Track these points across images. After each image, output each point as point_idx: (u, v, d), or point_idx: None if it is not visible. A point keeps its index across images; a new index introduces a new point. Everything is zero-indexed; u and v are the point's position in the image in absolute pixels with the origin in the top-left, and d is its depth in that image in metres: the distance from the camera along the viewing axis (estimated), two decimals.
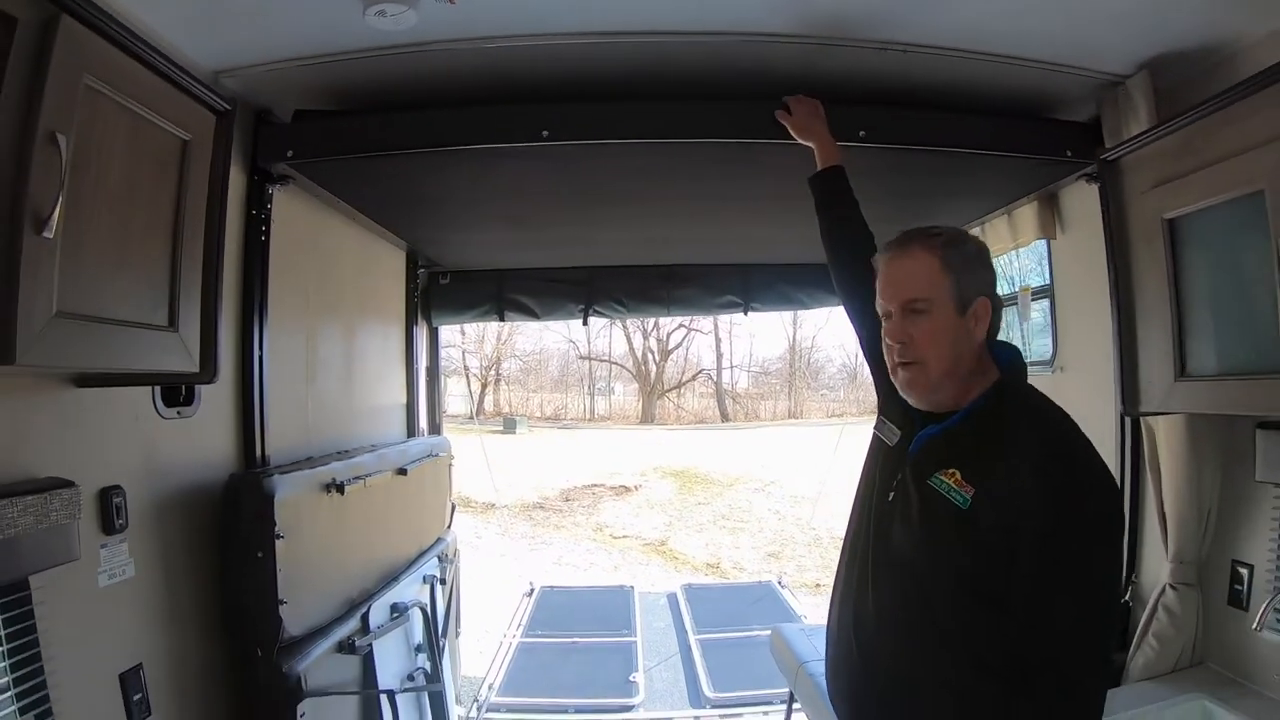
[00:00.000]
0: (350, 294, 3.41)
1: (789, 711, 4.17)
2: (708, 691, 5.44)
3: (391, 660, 2.99)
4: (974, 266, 1.63)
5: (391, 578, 3.12)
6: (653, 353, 37.42)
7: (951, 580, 1.51)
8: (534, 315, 4.65)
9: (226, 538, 2.26)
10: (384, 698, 2.81)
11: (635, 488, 19.30)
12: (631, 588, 8.50)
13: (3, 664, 1.61)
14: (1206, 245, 2.06)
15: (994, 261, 3.60)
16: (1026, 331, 3.51)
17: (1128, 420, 2.66)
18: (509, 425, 29.93)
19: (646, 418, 35.65)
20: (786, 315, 35.48)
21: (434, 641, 3.37)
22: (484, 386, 37.24)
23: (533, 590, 8.15)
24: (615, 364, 38.24)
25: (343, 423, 3.24)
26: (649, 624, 7.30)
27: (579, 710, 5.05)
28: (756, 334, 42.02)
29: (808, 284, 4.63)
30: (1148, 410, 2.31)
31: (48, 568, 1.62)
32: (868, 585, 1.65)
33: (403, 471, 3.25)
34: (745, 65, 2.33)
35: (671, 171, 2.75)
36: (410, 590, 3.26)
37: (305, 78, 2.37)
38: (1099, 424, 2.76)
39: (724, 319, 36.01)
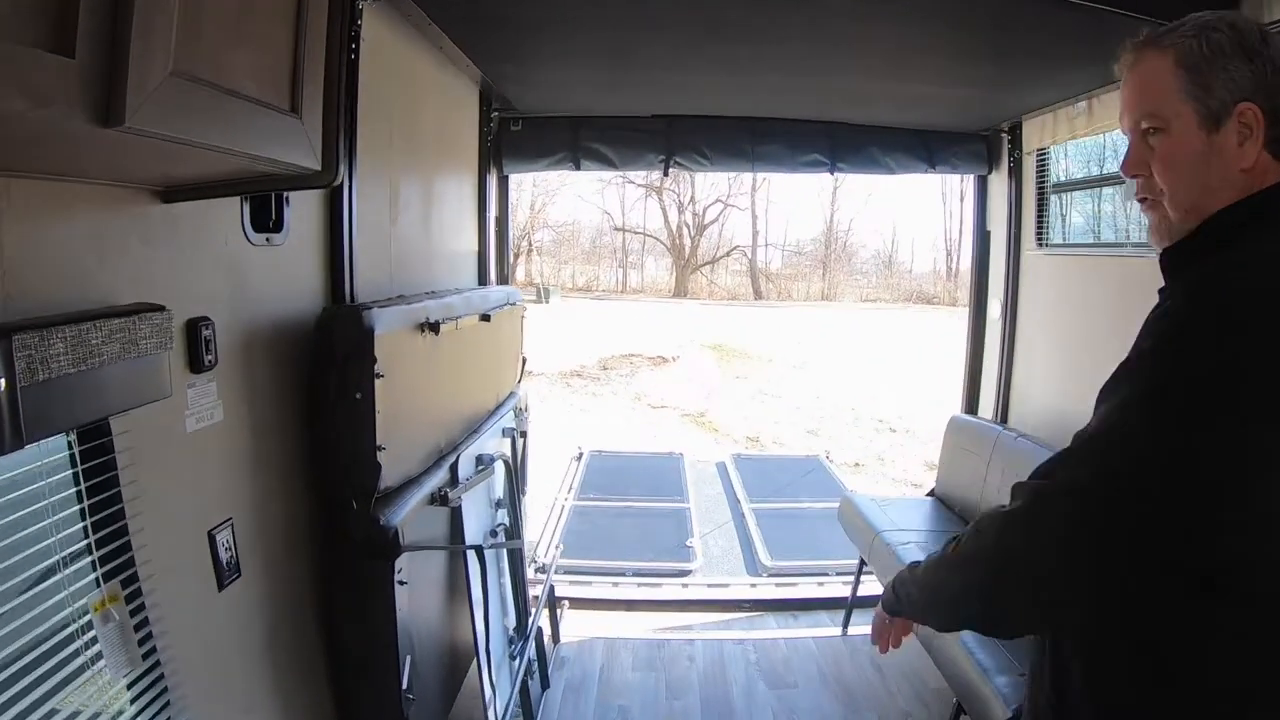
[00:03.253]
0: (430, 137, 3.24)
1: (858, 579, 4.18)
2: (765, 560, 5.46)
3: (474, 515, 2.84)
4: (1226, 61, 1.10)
5: (474, 429, 2.94)
6: (688, 226, 37.01)
7: None
8: (612, 165, 4.45)
9: (321, 377, 2.03)
10: (472, 554, 2.65)
11: (674, 359, 19.36)
12: (681, 455, 8.59)
13: (82, 523, 1.37)
14: None
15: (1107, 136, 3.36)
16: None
17: None
18: (542, 294, 29.90)
19: (679, 291, 35.55)
20: (824, 196, 35.18)
21: (515, 496, 3.26)
22: (516, 256, 37.03)
23: (581, 454, 8.24)
24: (649, 236, 37.84)
25: (424, 266, 3.07)
26: (700, 491, 7.36)
27: (637, 574, 5.10)
28: (792, 214, 41.55)
29: (897, 149, 4.45)
30: None
31: (137, 406, 1.38)
32: None
33: (486, 317, 3.04)
34: None
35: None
36: (491, 443, 3.09)
37: None
38: None
39: (761, 197, 35.60)
